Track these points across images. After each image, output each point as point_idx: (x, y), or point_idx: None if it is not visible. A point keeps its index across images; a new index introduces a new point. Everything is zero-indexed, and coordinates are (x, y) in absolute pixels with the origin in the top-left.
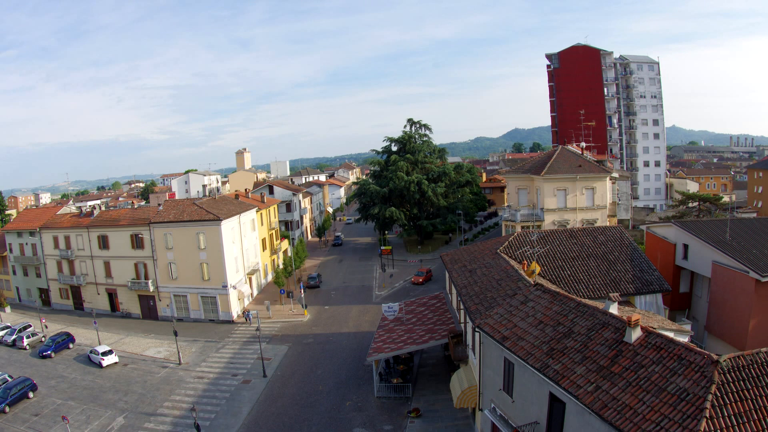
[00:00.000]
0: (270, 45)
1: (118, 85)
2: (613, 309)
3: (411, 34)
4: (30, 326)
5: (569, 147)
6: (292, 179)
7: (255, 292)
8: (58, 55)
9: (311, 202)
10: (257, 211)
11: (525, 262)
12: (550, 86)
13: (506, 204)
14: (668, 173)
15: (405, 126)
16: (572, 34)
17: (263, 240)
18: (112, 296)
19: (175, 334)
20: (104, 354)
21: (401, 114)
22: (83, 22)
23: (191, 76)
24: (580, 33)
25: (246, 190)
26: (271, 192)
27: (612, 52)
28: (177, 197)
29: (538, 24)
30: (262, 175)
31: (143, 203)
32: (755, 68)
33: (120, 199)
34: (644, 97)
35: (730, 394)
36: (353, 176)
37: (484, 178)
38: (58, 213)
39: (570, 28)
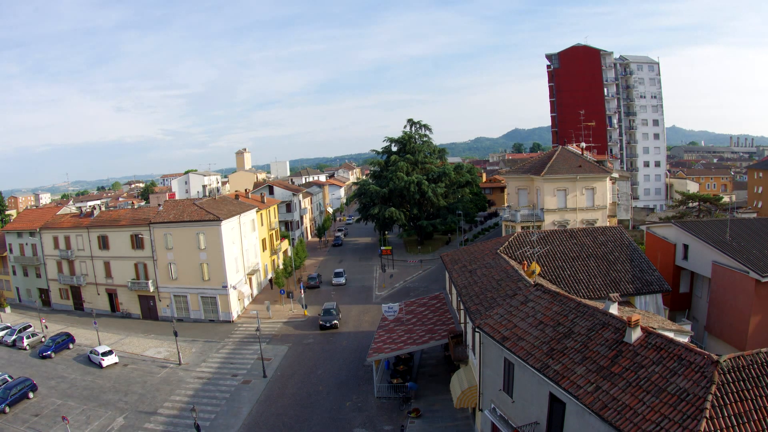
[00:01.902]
0: (263, 65)
1: (130, 95)
2: (613, 309)
3: (387, 53)
4: (30, 326)
5: (569, 147)
6: (292, 179)
7: (255, 293)
8: (83, 75)
9: (311, 203)
10: (257, 212)
11: (525, 262)
12: (550, 86)
13: (506, 204)
14: (668, 173)
15: (405, 126)
16: (533, 50)
17: (263, 240)
18: (112, 296)
19: (175, 334)
20: (104, 354)
21: (389, 118)
22: (109, 51)
23: (195, 85)
24: (542, 48)
25: (246, 190)
26: (271, 192)
27: (612, 53)
28: (177, 197)
29: (500, 42)
30: (262, 176)
31: (143, 203)
32: (705, 74)
33: (120, 199)
34: (644, 97)
35: (730, 395)
36: (353, 176)
37: (484, 179)
38: (58, 213)
39: (529, 44)
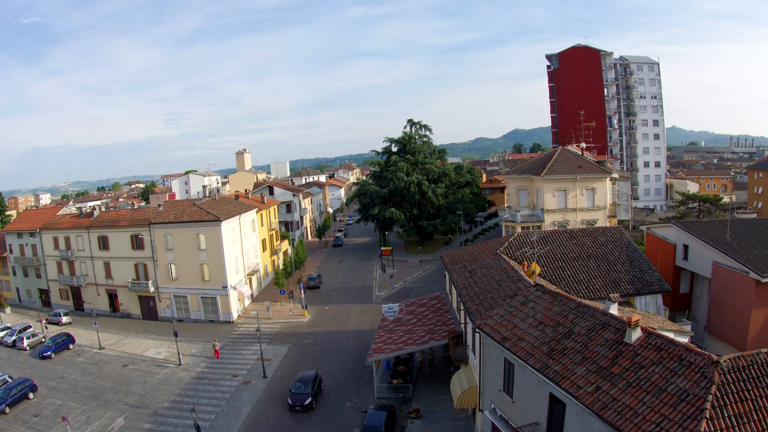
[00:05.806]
0: (253, 94)
1: (137, 110)
2: (613, 310)
3: (356, 83)
4: (30, 327)
5: (569, 147)
6: (292, 180)
7: (255, 293)
8: (111, 93)
9: (311, 203)
10: (257, 212)
11: (525, 262)
12: (550, 87)
13: (506, 204)
14: (668, 174)
15: (405, 126)
16: (470, 75)
17: (263, 241)
18: (112, 297)
19: (175, 334)
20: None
21: (386, 121)
22: (144, 91)
23: (194, 102)
24: (491, 77)
25: (246, 190)
26: (272, 193)
27: (612, 53)
28: (177, 198)
29: (443, 72)
30: (262, 176)
31: (143, 204)
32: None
33: (120, 199)
34: (644, 97)
35: (730, 395)
36: (353, 177)
37: (484, 179)
38: (58, 214)
39: (476, 75)
